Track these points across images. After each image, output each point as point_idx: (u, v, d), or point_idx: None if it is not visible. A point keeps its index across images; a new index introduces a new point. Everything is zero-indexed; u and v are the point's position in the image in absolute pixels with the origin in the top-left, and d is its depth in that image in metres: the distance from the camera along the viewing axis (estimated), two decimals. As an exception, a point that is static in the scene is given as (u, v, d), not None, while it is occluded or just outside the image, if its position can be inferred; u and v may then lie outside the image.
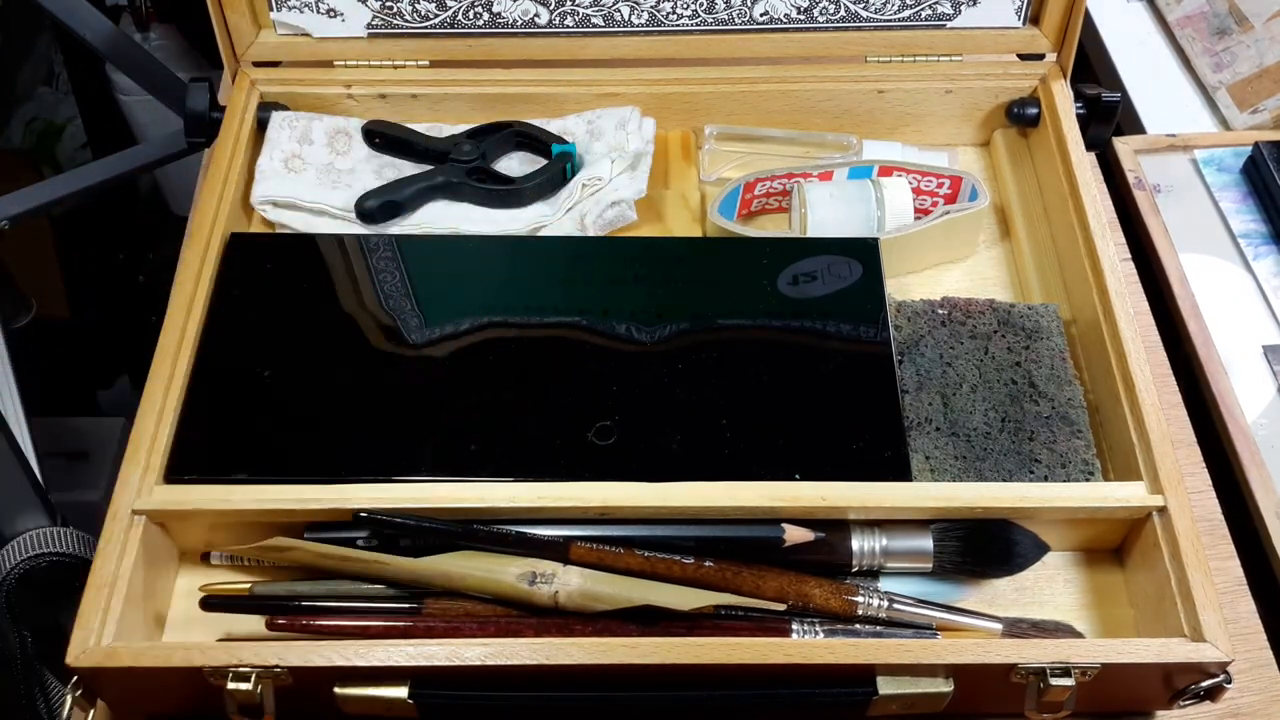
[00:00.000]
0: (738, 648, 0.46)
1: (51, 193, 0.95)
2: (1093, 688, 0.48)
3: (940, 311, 0.59)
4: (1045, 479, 0.54)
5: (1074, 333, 0.61)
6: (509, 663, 0.46)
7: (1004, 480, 0.54)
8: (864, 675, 0.47)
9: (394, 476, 0.52)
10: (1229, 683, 0.48)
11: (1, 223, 0.92)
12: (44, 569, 0.62)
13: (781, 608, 0.50)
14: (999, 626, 0.50)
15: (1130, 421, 0.54)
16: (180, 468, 0.52)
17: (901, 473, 0.52)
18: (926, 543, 0.52)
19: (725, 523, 0.51)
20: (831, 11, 0.67)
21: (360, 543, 0.51)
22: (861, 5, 0.67)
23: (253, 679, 0.46)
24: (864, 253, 0.60)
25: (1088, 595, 0.54)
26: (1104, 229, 0.60)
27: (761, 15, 0.67)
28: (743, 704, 0.48)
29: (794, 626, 0.49)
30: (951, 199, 0.67)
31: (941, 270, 0.67)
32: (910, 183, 0.66)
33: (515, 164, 0.68)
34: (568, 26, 0.67)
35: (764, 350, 0.56)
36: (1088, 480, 0.54)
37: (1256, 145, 0.76)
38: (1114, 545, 0.55)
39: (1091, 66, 0.90)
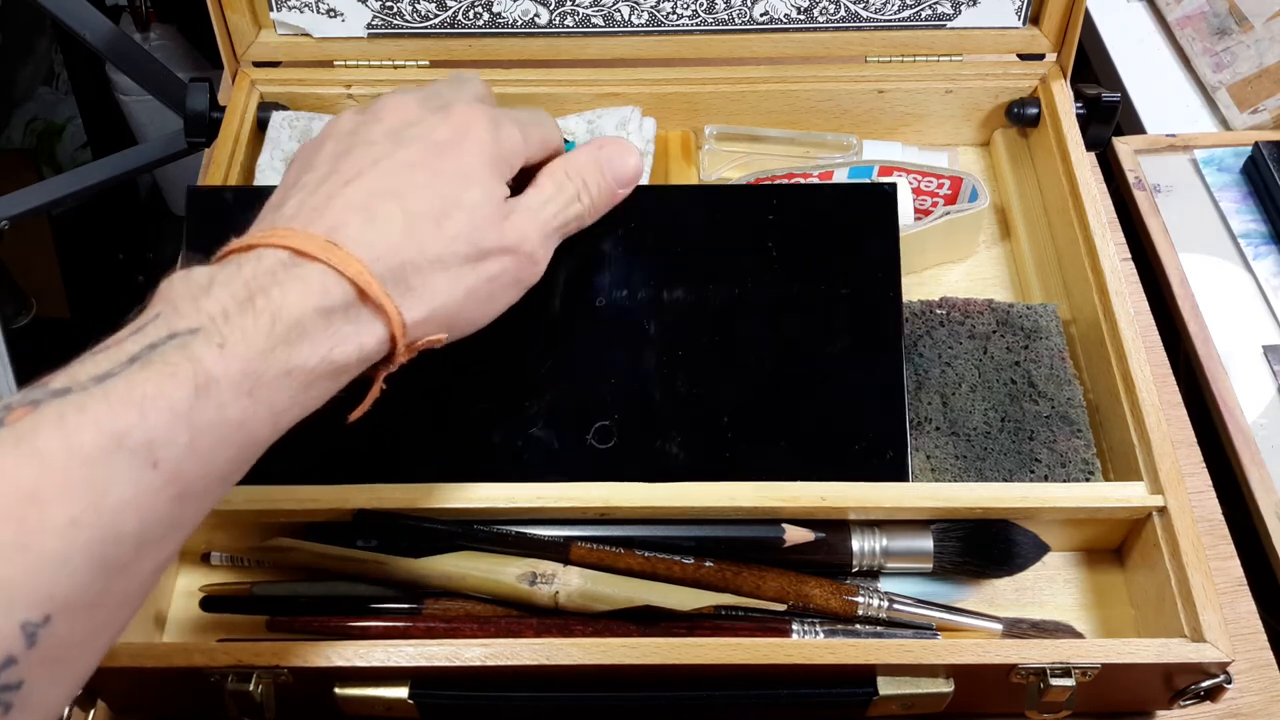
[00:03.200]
0: (738, 648, 0.46)
1: (51, 193, 0.96)
2: (1093, 688, 0.48)
3: (939, 312, 0.59)
4: (1045, 478, 0.54)
5: (1074, 332, 0.61)
6: (509, 663, 0.46)
7: (1004, 480, 0.54)
8: (864, 675, 0.47)
9: (390, 480, 0.51)
10: (1229, 683, 0.48)
11: (1, 223, 0.93)
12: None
13: (781, 608, 0.50)
14: (999, 626, 0.50)
15: (1130, 421, 0.54)
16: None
17: (899, 470, 0.52)
18: (927, 543, 0.52)
19: (725, 523, 0.51)
20: (831, 11, 0.67)
21: (360, 543, 0.51)
22: (861, 5, 0.67)
23: (253, 679, 0.46)
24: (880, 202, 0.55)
25: (1088, 595, 0.54)
26: (1104, 229, 0.60)
27: (761, 15, 0.67)
28: (743, 704, 0.48)
29: (794, 626, 0.49)
30: (951, 199, 0.67)
31: (941, 270, 0.67)
32: (910, 183, 0.66)
33: (515, 164, 0.68)
34: (568, 26, 0.67)
35: (766, 335, 0.54)
36: (1087, 480, 0.54)
37: (1256, 145, 0.76)
38: (1114, 545, 0.55)
39: (1091, 66, 0.90)
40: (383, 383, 0.40)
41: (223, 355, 0.32)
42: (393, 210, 0.38)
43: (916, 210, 0.65)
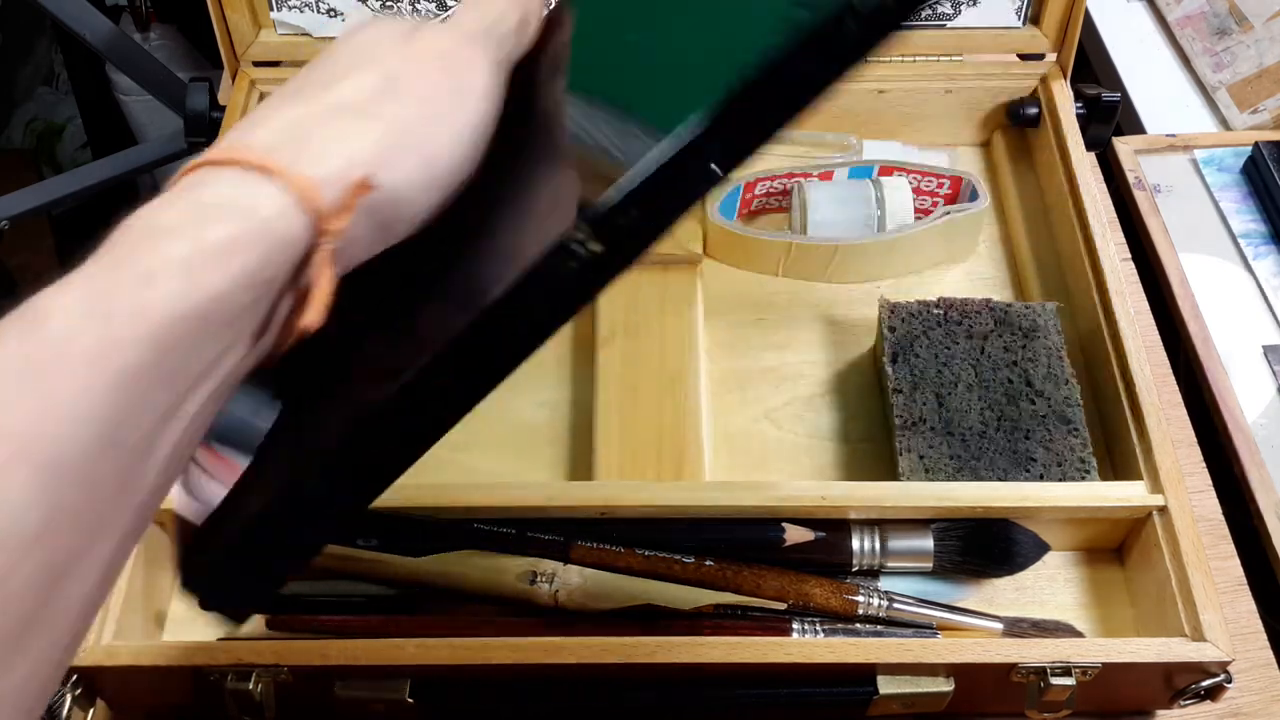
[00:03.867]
0: (738, 647, 0.46)
1: (51, 193, 0.96)
2: (1093, 687, 0.48)
3: (936, 311, 0.59)
4: (1040, 477, 0.54)
5: (1074, 332, 0.61)
6: (509, 662, 0.46)
7: (999, 479, 0.54)
8: (864, 674, 0.47)
9: None
10: (1229, 682, 0.48)
11: (1, 223, 0.93)
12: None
13: (782, 607, 0.50)
14: (999, 626, 0.50)
15: (1130, 421, 0.54)
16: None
17: None
18: (927, 542, 0.52)
19: (725, 522, 0.51)
20: (831, 11, 0.67)
21: (360, 542, 0.51)
22: (861, 5, 0.67)
23: (253, 678, 0.46)
24: None
25: (1088, 595, 0.54)
26: (1104, 229, 0.60)
27: (761, 15, 0.67)
28: (743, 704, 0.48)
29: (794, 626, 0.49)
30: (951, 199, 0.67)
31: (941, 270, 0.67)
32: (910, 183, 0.66)
33: (515, 164, 0.68)
34: (568, 26, 0.67)
35: None
36: (1083, 478, 0.54)
37: (1256, 145, 0.76)
38: (1114, 545, 0.55)
39: (1091, 66, 0.90)
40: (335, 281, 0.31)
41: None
42: (292, 100, 0.32)
43: (916, 210, 0.65)
